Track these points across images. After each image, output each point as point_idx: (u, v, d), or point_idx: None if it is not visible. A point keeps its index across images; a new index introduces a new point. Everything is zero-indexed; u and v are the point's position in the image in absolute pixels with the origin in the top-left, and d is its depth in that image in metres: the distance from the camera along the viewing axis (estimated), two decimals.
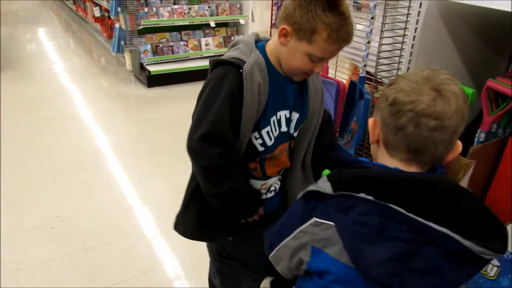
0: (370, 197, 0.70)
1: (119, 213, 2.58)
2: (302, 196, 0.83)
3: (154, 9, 4.63)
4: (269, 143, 1.21)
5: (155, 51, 4.75)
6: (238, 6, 5.12)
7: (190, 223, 1.29)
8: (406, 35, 1.41)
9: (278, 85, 1.17)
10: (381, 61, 1.49)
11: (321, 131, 1.33)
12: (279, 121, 1.21)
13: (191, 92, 5.08)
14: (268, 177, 1.31)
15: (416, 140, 0.74)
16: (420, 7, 1.35)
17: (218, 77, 1.09)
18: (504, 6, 1.06)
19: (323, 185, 0.76)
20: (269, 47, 1.17)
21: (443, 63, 1.53)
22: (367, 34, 1.49)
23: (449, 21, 1.42)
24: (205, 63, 5.06)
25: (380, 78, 1.53)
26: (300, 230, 0.81)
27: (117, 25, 4.80)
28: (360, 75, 1.55)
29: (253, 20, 5.29)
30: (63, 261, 2.16)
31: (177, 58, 4.88)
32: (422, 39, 1.40)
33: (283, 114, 1.21)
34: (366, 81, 1.56)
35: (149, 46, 4.71)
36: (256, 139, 1.20)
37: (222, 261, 1.45)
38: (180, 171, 3.21)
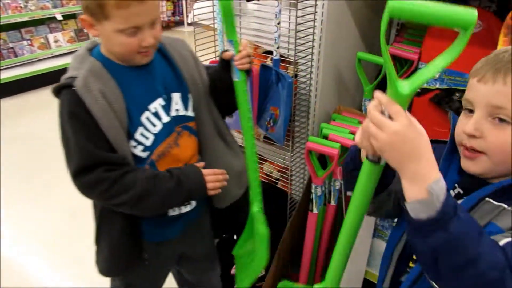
0: None
1: None
2: None
3: None
4: (148, 143, 1.08)
5: None
6: None
7: (103, 259, 1.18)
8: (317, 11, 1.41)
9: (133, 80, 1.06)
10: (295, 41, 1.47)
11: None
12: (155, 114, 1.08)
13: (50, 98, 4.38)
14: None
15: None
16: None
17: (61, 108, 1.02)
18: None
19: None
20: (103, 46, 1.05)
21: (348, 39, 1.58)
22: (276, 15, 1.44)
23: None
24: (59, 62, 4.44)
25: (297, 60, 1.50)
26: None
27: None
28: (274, 57, 1.50)
29: None
30: None
31: (23, 61, 4.16)
32: (329, 16, 1.42)
33: (157, 104, 1.08)
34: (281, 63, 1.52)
35: None
36: (135, 147, 1.07)
37: None
38: (68, 187, 2.77)
